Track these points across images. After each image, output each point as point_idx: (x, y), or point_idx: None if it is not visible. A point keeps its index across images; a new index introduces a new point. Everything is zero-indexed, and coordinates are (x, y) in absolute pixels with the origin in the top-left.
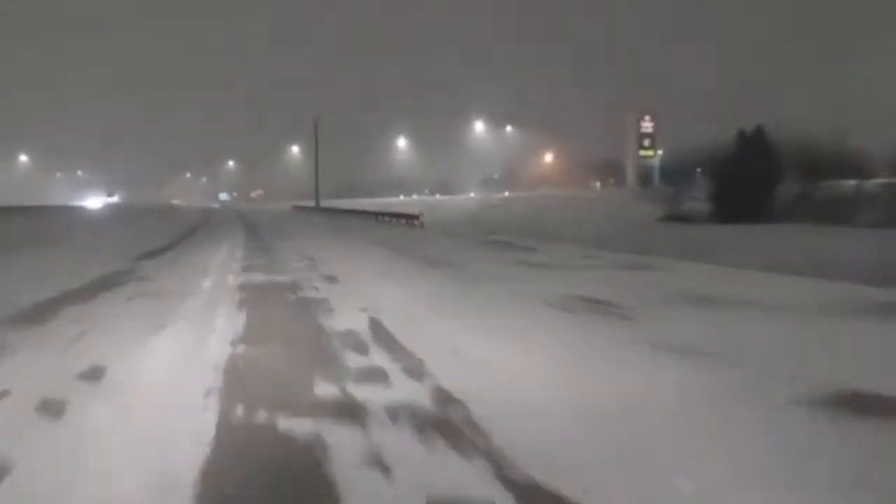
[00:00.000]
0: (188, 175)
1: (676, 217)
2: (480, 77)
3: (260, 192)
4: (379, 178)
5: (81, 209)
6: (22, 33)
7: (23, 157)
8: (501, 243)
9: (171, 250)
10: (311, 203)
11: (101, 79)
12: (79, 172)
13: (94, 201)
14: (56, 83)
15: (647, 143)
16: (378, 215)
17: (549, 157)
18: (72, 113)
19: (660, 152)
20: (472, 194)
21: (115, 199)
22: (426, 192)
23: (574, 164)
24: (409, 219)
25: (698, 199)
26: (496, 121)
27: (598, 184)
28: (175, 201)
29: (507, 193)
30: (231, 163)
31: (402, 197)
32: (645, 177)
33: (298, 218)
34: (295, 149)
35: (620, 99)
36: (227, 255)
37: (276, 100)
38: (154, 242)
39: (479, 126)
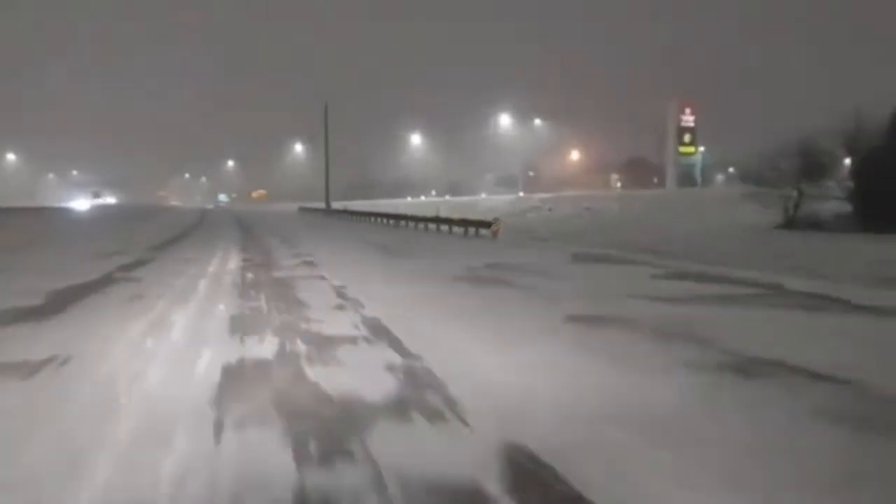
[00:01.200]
0: (187, 175)
1: (802, 223)
2: (498, 75)
3: (262, 192)
4: (386, 178)
5: (61, 211)
6: (22, 31)
7: (10, 156)
8: (724, 283)
9: (96, 291)
10: (320, 204)
11: (99, 78)
12: (74, 172)
13: (81, 203)
14: (51, 82)
15: (687, 138)
16: (419, 221)
17: (574, 155)
18: (68, 113)
19: (702, 149)
20: (483, 195)
21: (102, 200)
22: (433, 193)
23: (598, 163)
24: (472, 226)
25: (838, 197)
26: (524, 113)
27: (618, 184)
28: (172, 202)
29: (521, 194)
30: (231, 162)
31: (409, 199)
32: (686, 175)
33: (312, 224)
34: (298, 147)
35: (649, 95)
36: (200, 311)
37: (279, 98)
38: (95, 268)
39: (504, 120)
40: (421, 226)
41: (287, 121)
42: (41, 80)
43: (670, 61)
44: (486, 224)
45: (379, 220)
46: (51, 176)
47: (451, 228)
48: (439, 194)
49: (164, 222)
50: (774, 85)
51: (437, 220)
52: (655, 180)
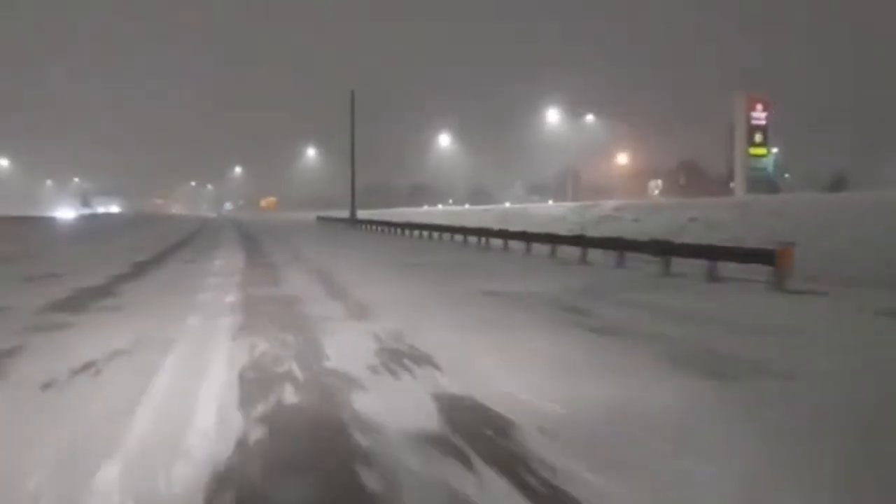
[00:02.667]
0: (193, 183)
1: None
2: (498, 76)
3: (271, 199)
4: (399, 184)
5: (37, 221)
6: (22, 31)
7: (2, 162)
8: None
9: None
10: (338, 213)
11: (99, 78)
12: (75, 180)
13: (67, 212)
14: (51, 82)
15: (758, 138)
16: (528, 239)
17: (623, 159)
18: (67, 114)
19: (775, 150)
20: (507, 204)
21: (103, 208)
22: (450, 201)
23: (642, 168)
24: (729, 259)
25: None
26: (574, 110)
27: (656, 191)
28: (172, 210)
29: (551, 202)
30: (238, 169)
31: (426, 207)
32: (759, 180)
33: (347, 242)
34: (310, 151)
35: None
36: None
37: (280, 98)
38: None
39: (552, 117)
40: (534, 249)
41: (287, 120)
42: (41, 80)
43: (670, 60)
44: (763, 255)
45: (438, 235)
46: (49, 183)
47: (626, 255)
48: (457, 202)
49: (145, 237)
50: (774, 85)
51: (581, 240)
52: (732, 185)
